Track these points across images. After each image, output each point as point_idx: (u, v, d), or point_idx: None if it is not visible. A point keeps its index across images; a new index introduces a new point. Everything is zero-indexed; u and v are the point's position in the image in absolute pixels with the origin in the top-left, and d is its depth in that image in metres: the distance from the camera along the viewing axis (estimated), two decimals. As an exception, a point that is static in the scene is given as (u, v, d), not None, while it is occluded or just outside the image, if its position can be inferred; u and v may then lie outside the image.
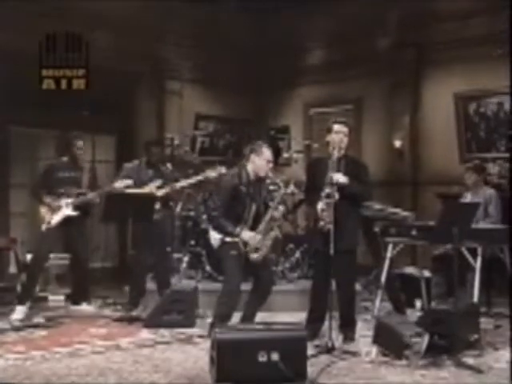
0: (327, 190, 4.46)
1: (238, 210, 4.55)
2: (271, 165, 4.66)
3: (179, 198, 6.34)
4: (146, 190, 5.64)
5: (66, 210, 5.60)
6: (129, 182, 5.58)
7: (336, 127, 4.67)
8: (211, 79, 8.60)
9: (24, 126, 7.42)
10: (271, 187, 5.16)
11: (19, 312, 5.41)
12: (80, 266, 5.87)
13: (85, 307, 5.89)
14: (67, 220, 5.61)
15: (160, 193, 5.63)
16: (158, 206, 5.66)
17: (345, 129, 4.68)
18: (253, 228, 4.58)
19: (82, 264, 5.88)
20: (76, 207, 5.63)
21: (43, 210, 5.63)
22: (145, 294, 5.78)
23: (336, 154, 4.57)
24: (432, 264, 5.76)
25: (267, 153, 4.58)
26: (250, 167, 4.60)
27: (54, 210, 5.59)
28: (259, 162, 4.56)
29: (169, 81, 8.34)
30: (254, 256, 4.54)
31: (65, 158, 5.82)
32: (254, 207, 4.58)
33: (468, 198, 5.77)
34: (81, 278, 5.92)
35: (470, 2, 7.22)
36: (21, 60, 6.49)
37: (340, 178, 4.48)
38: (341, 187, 4.48)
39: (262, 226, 4.59)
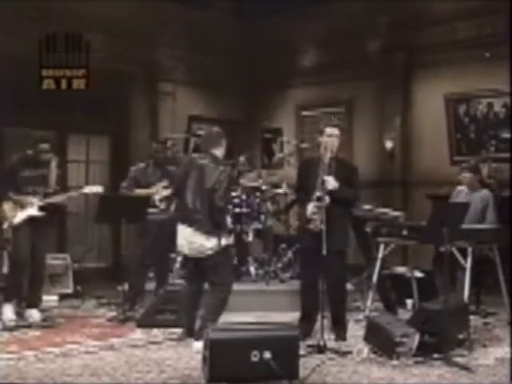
0: (318, 194, 4.54)
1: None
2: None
3: None
4: (153, 190, 5.68)
5: (31, 210, 5.34)
6: (99, 188, 5.51)
7: (328, 130, 4.77)
8: (204, 81, 8.63)
9: (17, 126, 7.40)
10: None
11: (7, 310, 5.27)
12: (35, 268, 5.48)
13: (34, 313, 5.45)
14: (32, 220, 5.35)
15: (166, 192, 5.65)
16: (162, 206, 5.70)
17: (337, 132, 4.79)
18: None
19: (37, 266, 5.50)
20: (42, 208, 5.38)
21: (6, 207, 5.33)
22: (142, 294, 5.76)
23: (328, 156, 4.66)
24: (433, 264, 5.55)
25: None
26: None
27: (22, 205, 5.32)
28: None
29: (162, 83, 8.36)
30: None
31: (29, 154, 5.46)
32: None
33: (463, 193, 5.65)
34: (33, 280, 5.51)
35: (459, 5, 7.30)
36: (16, 61, 6.50)
37: (331, 183, 4.55)
38: (331, 191, 4.55)
39: None
